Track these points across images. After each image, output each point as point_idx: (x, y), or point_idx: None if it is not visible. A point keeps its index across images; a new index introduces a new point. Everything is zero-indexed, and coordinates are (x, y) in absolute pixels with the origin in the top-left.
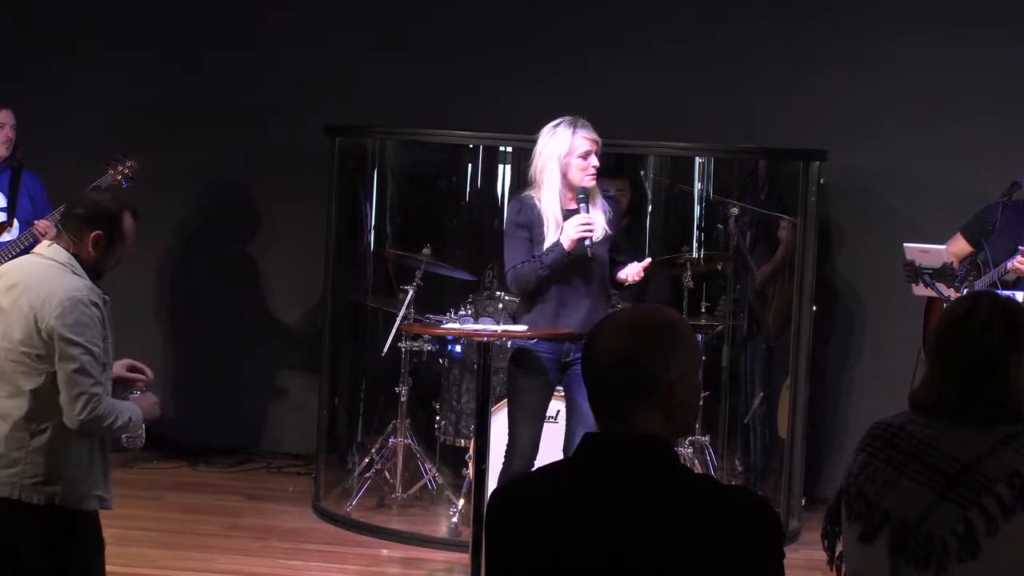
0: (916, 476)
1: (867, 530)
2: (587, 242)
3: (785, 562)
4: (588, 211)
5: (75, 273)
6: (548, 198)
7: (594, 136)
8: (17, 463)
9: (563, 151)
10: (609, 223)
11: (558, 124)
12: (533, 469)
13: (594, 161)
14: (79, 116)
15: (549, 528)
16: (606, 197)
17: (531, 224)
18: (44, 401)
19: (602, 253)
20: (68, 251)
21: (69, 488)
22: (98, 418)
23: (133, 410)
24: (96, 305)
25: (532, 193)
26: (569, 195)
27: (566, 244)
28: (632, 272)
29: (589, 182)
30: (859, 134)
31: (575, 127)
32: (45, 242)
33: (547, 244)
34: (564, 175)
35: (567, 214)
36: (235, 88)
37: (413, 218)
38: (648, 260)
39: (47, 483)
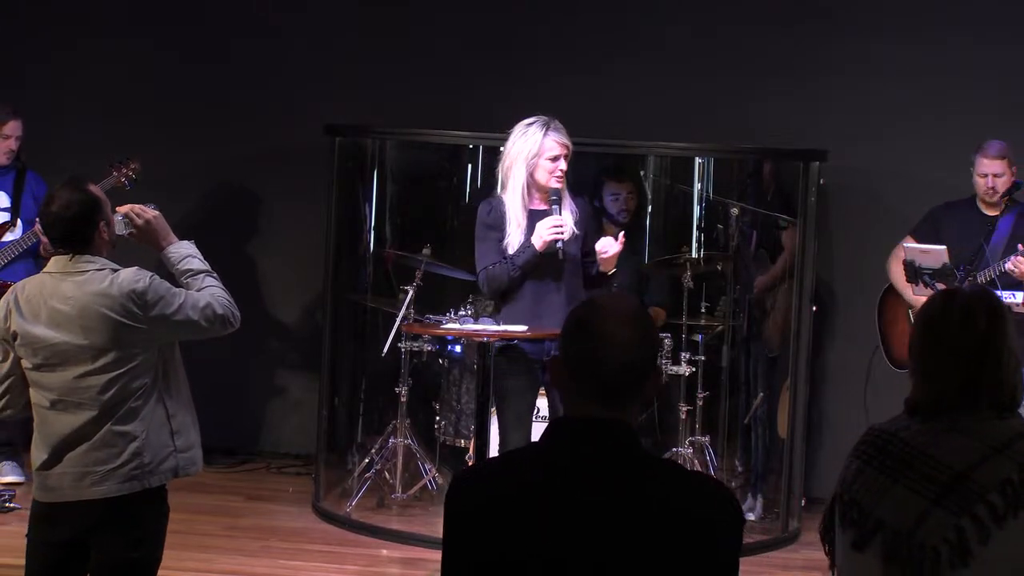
0: (909, 484)
1: (860, 538)
2: (558, 243)
3: (785, 562)
4: (560, 212)
5: (116, 269)
6: (512, 197)
7: (565, 141)
8: (138, 455)
9: (532, 152)
10: (578, 223)
11: (531, 124)
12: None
13: (562, 165)
14: (78, 115)
15: (511, 513)
16: (575, 196)
17: (500, 224)
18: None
19: (573, 252)
20: (95, 255)
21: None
22: (228, 306)
23: (190, 251)
24: (152, 275)
25: (501, 194)
26: (536, 195)
27: (538, 245)
28: (608, 245)
29: (556, 183)
30: (859, 134)
31: (547, 129)
32: (62, 259)
33: (510, 244)
34: (530, 175)
35: (532, 214)
36: (235, 88)
37: (413, 218)
38: (623, 237)
39: (162, 462)
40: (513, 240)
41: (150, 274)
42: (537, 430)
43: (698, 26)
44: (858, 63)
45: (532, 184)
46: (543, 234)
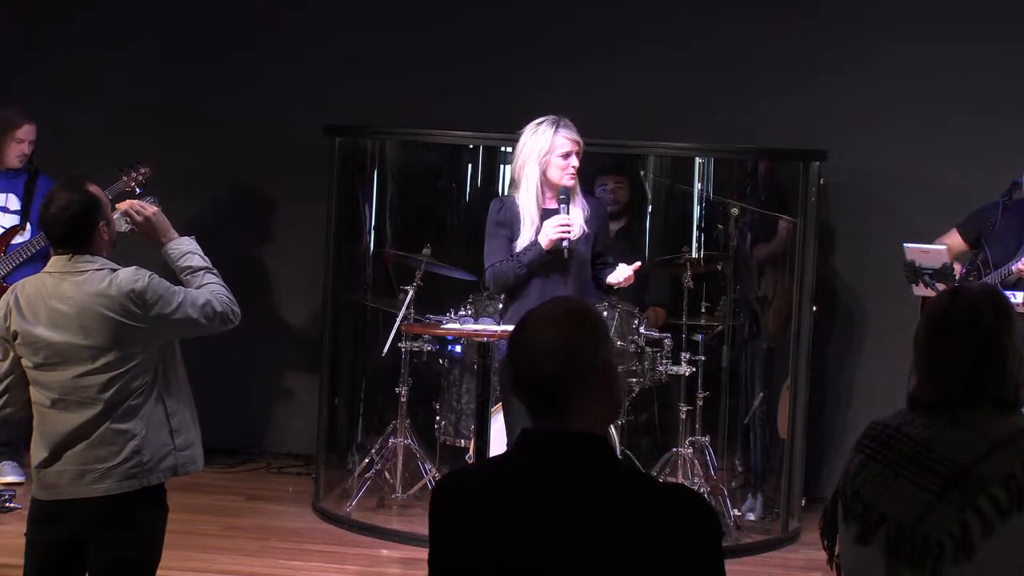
0: (912, 478)
1: (863, 531)
2: (564, 243)
3: (785, 562)
4: (568, 211)
5: (115, 269)
6: (525, 196)
7: (576, 137)
8: (137, 453)
9: (543, 149)
10: (588, 221)
11: (540, 123)
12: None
13: (574, 162)
14: (79, 117)
15: (487, 525)
16: (588, 196)
17: (511, 222)
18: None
19: (583, 251)
20: (95, 255)
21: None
22: (227, 303)
23: (190, 248)
24: (151, 275)
25: (513, 192)
26: (549, 194)
27: (544, 244)
28: (622, 276)
29: (568, 181)
30: (859, 134)
31: (557, 126)
32: (61, 258)
33: (522, 242)
34: (543, 173)
35: (545, 213)
36: (235, 88)
37: (413, 218)
38: (638, 263)
39: (161, 460)
40: (525, 239)
41: (149, 273)
42: None
43: (698, 26)
44: (858, 63)
45: (545, 182)
46: (549, 233)
